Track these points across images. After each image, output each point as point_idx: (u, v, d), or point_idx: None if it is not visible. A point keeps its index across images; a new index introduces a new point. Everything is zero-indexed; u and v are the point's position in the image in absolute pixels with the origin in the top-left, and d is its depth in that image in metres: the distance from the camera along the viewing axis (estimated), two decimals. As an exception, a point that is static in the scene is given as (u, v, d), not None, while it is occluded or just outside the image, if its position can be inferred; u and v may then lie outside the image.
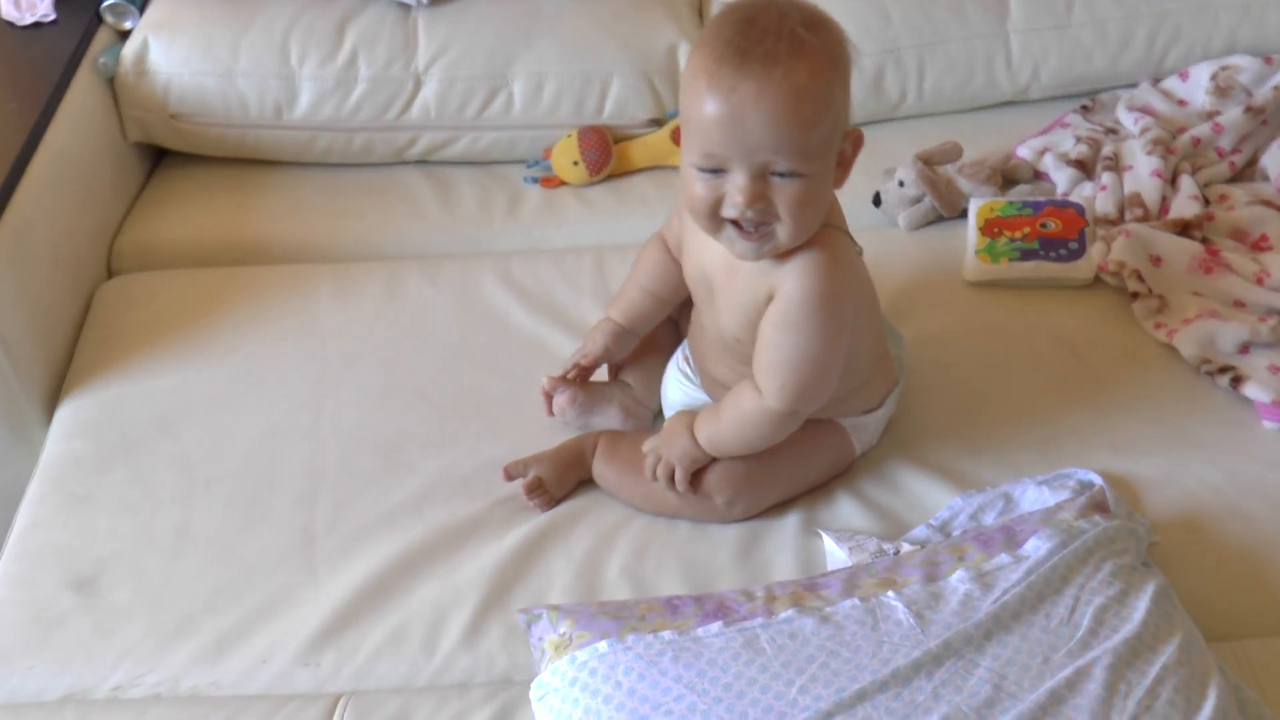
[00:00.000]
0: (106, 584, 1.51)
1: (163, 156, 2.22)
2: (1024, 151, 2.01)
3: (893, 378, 1.59)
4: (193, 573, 1.52)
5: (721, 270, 1.45)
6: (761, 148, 1.28)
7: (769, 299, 1.40)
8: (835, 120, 1.31)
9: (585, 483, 1.59)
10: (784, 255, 1.38)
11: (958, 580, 1.27)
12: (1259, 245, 1.80)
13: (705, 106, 1.28)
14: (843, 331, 1.41)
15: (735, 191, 1.31)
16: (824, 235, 1.39)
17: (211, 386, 1.75)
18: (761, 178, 1.30)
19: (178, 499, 1.60)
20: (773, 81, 1.25)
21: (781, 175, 1.30)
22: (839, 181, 1.39)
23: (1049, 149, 2.00)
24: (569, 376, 1.63)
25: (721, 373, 1.54)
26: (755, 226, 1.33)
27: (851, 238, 1.45)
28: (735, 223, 1.34)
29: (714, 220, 1.35)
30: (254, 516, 1.58)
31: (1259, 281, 1.72)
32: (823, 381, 1.43)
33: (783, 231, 1.33)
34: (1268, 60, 2.06)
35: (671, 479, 1.50)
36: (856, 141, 1.38)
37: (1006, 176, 1.96)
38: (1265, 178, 1.94)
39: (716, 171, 1.31)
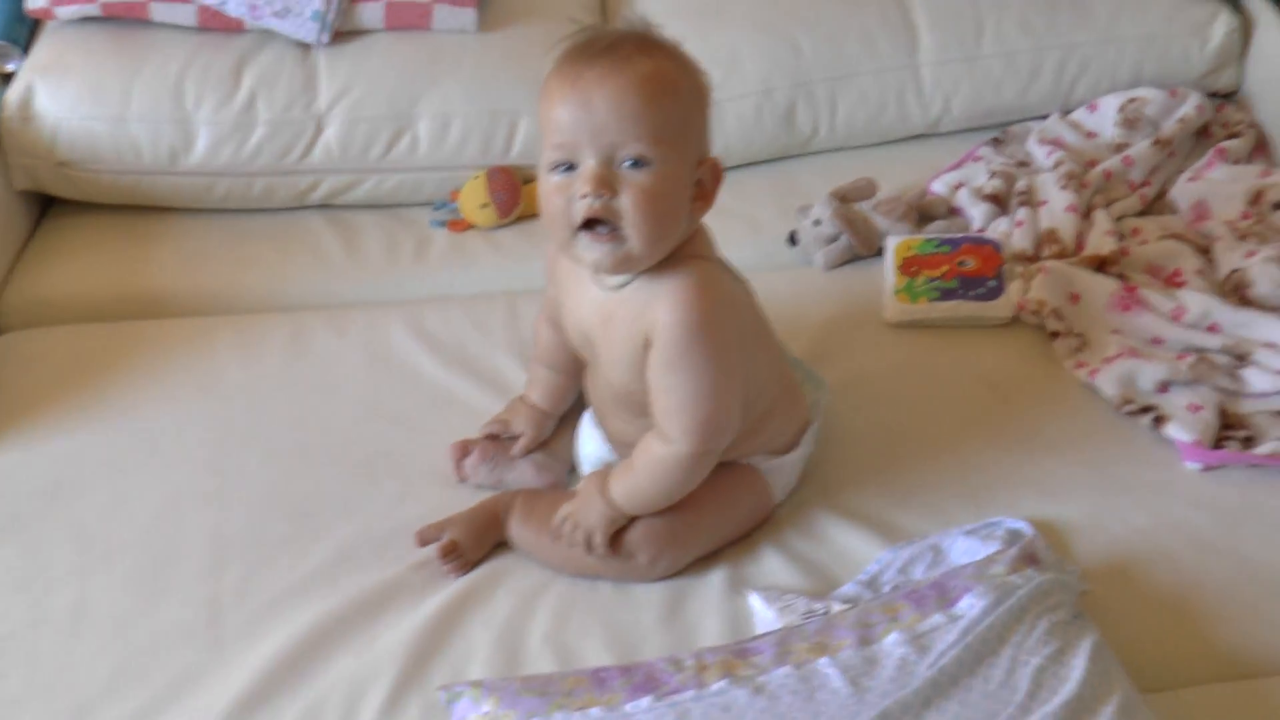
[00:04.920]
0: (-2, 670, 1.43)
1: (50, 205, 2.13)
2: (938, 187, 2.00)
3: (805, 417, 1.56)
4: (91, 654, 1.44)
5: (598, 324, 1.44)
6: (608, 127, 1.30)
7: (647, 344, 1.39)
8: (684, 118, 1.34)
9: (503, 544, 1.54)
10: (651, 290, 1.37)
11: (892, 644, 1.24)
12: (1172, 280, 1.79)
13: (554, 100, 1.33)
14: (730, 358, 1.39)
15: (582, 182, 1.31)
16: (689, 265, 1.38)
17: (108, 451, 1.67)
18: (609, 165, 1.31)
19: (74, 573, 1.52)
20: (618, 66, 1.31)
21: (631, 165, 1.31)
22: (699, 211, 1.39)
23: (963, 184, 1.99)
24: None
25: (619, 428, 1.52)
26: (604, 227, 1.32)
27: (727, 265, 1.45)
28: (587, 228, 1.33)
29: (567, 227, 1.34)
30: (157, 590, 1.50)
31: (1176, 319, 1.71)
32: (725, 413, 1.41)
33: (631, 233, 1.32)
34: (1173, 93, 2.07)
35: (589, 543, 1.46)
36: (715, 170, 1.40)
37: (922, 212, 1.95)
38: (1175, 210, 1.94)
39: (569, 168, 1.33)
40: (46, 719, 1.38)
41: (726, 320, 1.39)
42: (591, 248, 1.35)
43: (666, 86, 1.32)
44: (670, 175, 1.33)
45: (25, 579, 1.52)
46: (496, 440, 1.62)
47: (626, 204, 1.31)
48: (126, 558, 1.54)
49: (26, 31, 2.10)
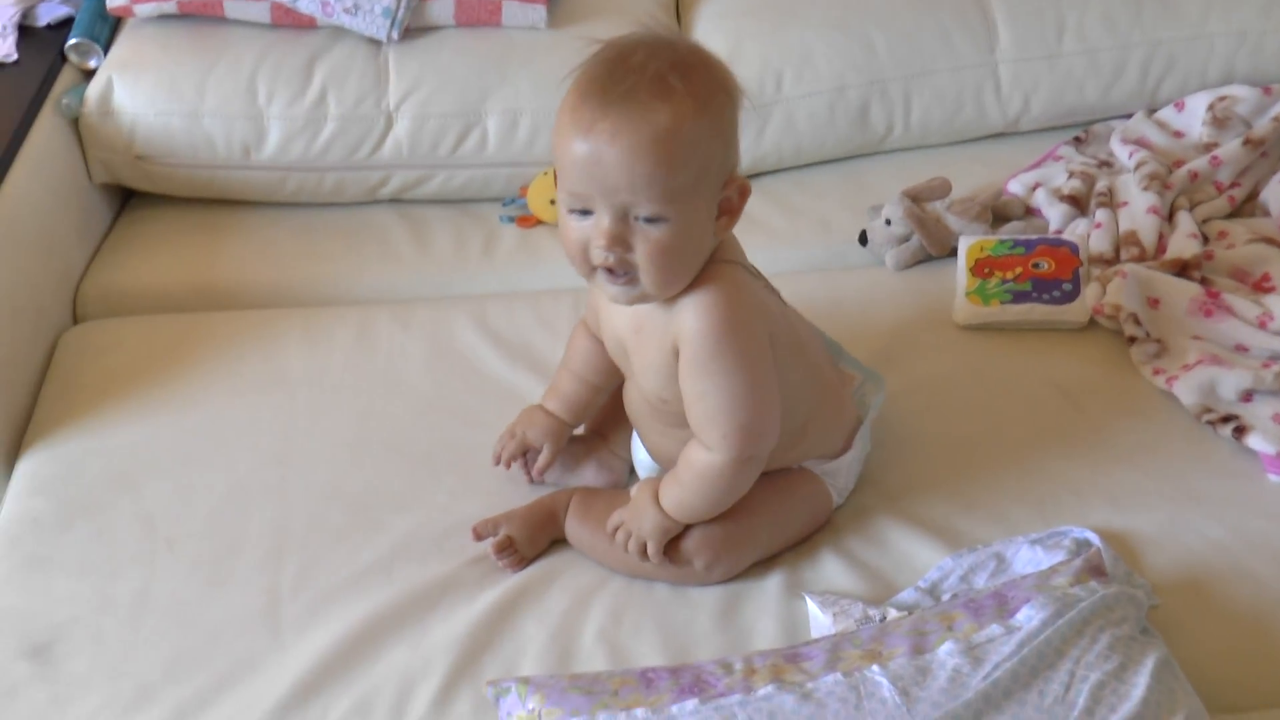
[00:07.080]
0: (64, 652, 1.44)
1: (129, 197, 2.16)
2: (1015, 187, 1.96)
3: (853, 416, 1.53)
4: (153, 639, 1.45)
5: (631, 333, 1.42)
6: (619, 188, 1.26)
7: (676, 353, 1.37)
8: (703, 166, 1.29)
9: (559, 542, 1.53)
10: (675, 301, 1.35)
11: (946, 653, 1.21)
12: (1260, 285, 1.74)
13: (568, 144, 1.28)
14: (761, 361, 1.37)
15: (598, 234, 1.29)
16: (711, 271, 1.36)
17: (176, 441, 1.69)
18: (623, 220, 1.29)
19: (139, 560, 1.54)
20: (630, 122, 1.24)
21: (645, 220, 1.28)
22: (725, 227, 1.36)
23: (1041, 184, 1.94)
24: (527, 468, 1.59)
25: (655, 440, 1.50)
26: (620, 271, 1.31)
27: (757, 272, 1.43)
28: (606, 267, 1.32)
29: (585, 265, 1.33)
30: (218, 578, 1.51)
31: (1262, 325, 1.65)
32: (763, 418, 1.38)
33: (645, 280, 1.31)
34: (1266, 90, 2.01)
35: (643, 551, 1.44)
36: (743, 191, 1.36)
37: (997, 213, 1.91)
38: (1266, 213, 1.88)
39: (584, 213, 1.30)
40: (112, 699, 1.39)
41: (753, 323, 1.36)
42: (608, 287, 1.34)
43: (681, 142, 1.25)
44: (686, 226, 1.30)
45: (93, 564, 1.53)
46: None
47: (640, 256, 1.29)
48: (190, 546, 1.55)
49: (108, 30, 2.13)
